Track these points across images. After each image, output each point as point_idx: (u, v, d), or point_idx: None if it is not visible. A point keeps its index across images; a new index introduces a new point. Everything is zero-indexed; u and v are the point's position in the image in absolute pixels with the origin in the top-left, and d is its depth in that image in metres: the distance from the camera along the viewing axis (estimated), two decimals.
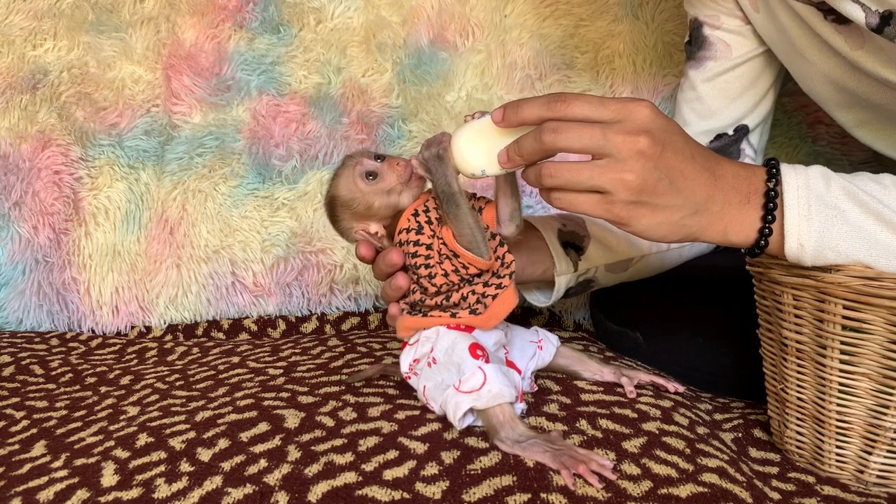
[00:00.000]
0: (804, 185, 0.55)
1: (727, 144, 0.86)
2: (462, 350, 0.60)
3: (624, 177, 0.53)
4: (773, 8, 0.74)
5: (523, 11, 1.12)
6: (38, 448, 0.64)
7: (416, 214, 0.64)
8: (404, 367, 0.66)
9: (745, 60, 0.83)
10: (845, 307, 0.55)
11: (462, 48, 1.12)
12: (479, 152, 0.59)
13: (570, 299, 1.06)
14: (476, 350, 0.60)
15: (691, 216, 0.56)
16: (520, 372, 0.66)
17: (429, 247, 0.63)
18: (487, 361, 0.59)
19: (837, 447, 0.59)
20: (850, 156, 1.05)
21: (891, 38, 0.57)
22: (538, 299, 0.83)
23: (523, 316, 1.08)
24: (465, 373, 0.59)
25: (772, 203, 0.56)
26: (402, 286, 0.64)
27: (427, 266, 0.63)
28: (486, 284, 0.62)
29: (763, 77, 0.84)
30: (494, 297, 0.62)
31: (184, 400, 0.73)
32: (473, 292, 0.62)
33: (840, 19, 0.64)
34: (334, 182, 0.66)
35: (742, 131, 0.85)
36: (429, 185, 0.64)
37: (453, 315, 0.62)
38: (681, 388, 0.69)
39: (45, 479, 0.57)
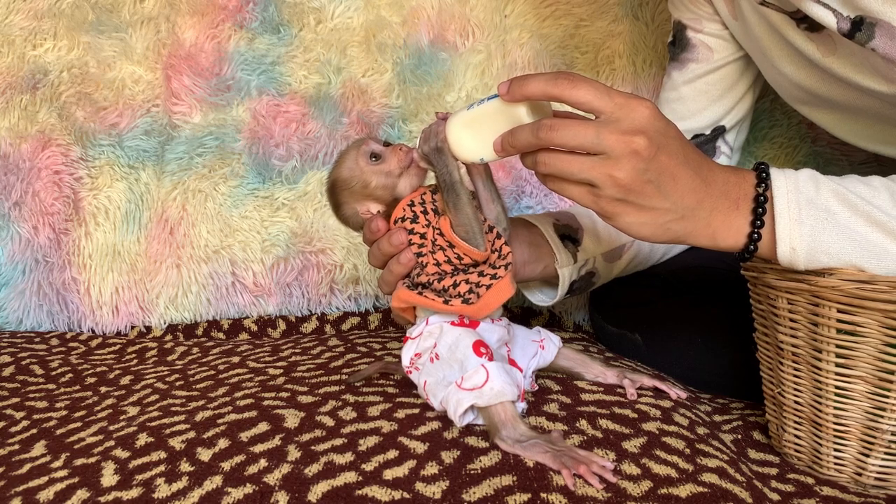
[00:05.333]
0: (794, 188, 0.56)
1: (702, 143, 0.87)
2: (466, 347, 0.60)
3: (614, 174, 0.53)
4: (747, 17, 0.75)
5: (523, 12, 1.13)
6: (38, 448, 0.64)
7: (412, 205, 0.65)
8: (406, 361, 0.66)
9: (726, 63, 0.83)
10: (839, 311, 0.55)
11: (462, 48, 1.12)
12: (476, 140, 0.60)
13: (570, 300, 1.07)
14: (480, 347, 0.60)
15: (678, 220, 0.56)
16: (521, 370, 0.66)
17: (422, 236, 0.64)
18: (491, 359, 0.59)
19: (835, 450, 0.59)
20: (849, 156, 1.05)
21: (862, 43, 0.58)
22: (542, 299, 0.83)
23: (524, 317, 1.08)
24: (468, 370, 0.59)
25: (761, 208, 0.56)
26: (411, 258, 0.64)
27: (419, 255, 0.64)
28: (480, 275, 0.63)
29: (743, 79, 0.85)
30: (489, 286, 0.62)
31: (184, 400, 0.73)
32: (467, 282, 0.62)
33: (812, 27, 0.65)
34: (338, 162, 0.68)
35: (719, 131, 0.86)
36: (429, 179, 0.65)
37: (446, 301, 0.63)
38: (683, 395, 0.69)
39: (45, 479, 0.57)
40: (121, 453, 0.60)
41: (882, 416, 0.56)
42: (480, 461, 0.54)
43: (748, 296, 0.66)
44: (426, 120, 1.12)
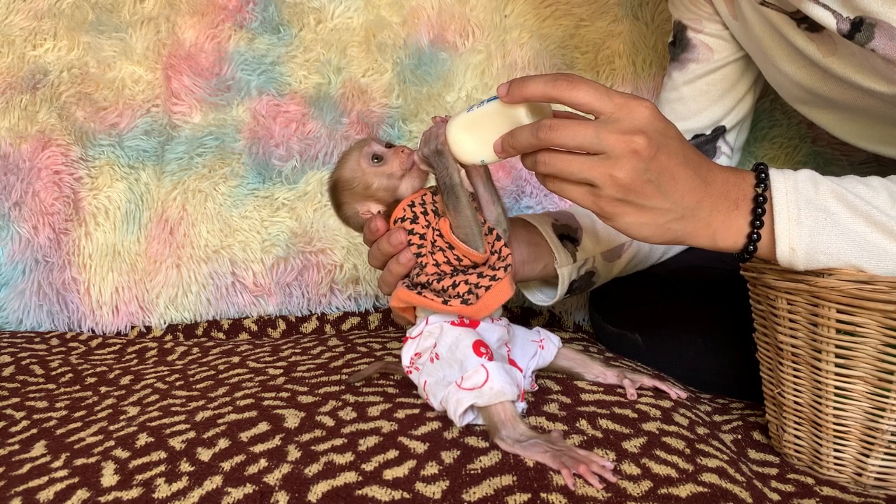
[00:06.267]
0: (793, 188, 0.56)
1: (703, 143, 0.87)
2: (466, 347, 0.60)
3: (614, 173, 0.53)
4: (747, 17, 0.75)
5: (523, 12, 1.13)
6: (38, 448, 0.64)
7: (412, 205, 0.65)
8: (406, 361, 0.66)
9: (726, 63, 0.83)
10: (839, 311, 0.55)
11: (462, 48, 1.12)
12: (476, 142, 0.60)
13: (570, 299, 1.07)
14: (479, 347, 0.60)
15: (677, 220, 0.56)
16: (521, 370, 0.66)
17: (422, 236, 0.64)
18: (491, 359, 0.59)
19: (835, 450, 0.59)
20: (849, 156, 1.05)
21: (861, 43, 0.58)
22: (542, 299, 0.83)
23: (524, 317, 1.08)
24: (468, 370, 0.59)
25: (760, 209, 0.56)
26: (410, 258, 0.65)
27: (419, 255, 0.64)
28: (480, 276, 0.63)
29: (743, 80, 0.85)
30: (487, 288, 0.62)
31: (184, 400, 0.73)
32: (467, 282, 0.62)
33: (812, 27, 0.65)
34: (340, 163, 0.68)
35: (719, 131, 0.86)
36: (430, 180, 0.65)
37: (445, 302, 0.63)
38: (683, 395, 0.69)
39: (45, 479, 0.57)
40: (121, 453, 0.60)
41: (882, 417, 0.56)
42: (480, 461, 0.54)
43: (748, 296, 0.66)
44: (426, 120, 1.12)
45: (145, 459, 0.58)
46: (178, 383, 0.80)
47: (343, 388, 0.72)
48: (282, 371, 0.81)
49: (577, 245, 0.80)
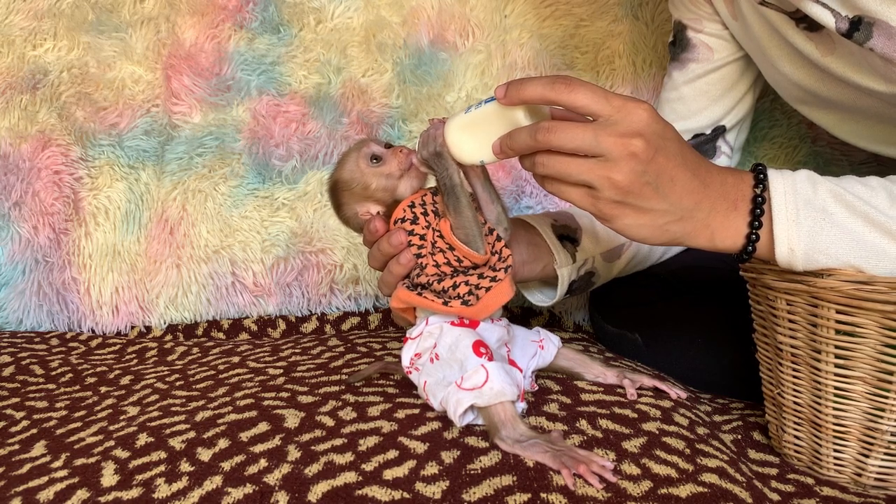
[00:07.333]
0: (791, 189, 0.56)
1: (703, 143, 0.87)
2: (465, 347, 0.60)
3: (612, 176, 0.53)
4: (747, 17, 0.75)
5: (523, 12, 1.13)
6: (38, 448, 0.64)
7: (412, 206, 0.65)
8: (406, 361, 0.66)
9: (726, 63, 0.84)
10: (838, 311, 0.55)
11: (462, 48, 1.12)
12: (474, 143, 0.60)
13: (570, 300, 1.07)
14: (479, 347, 0.60)
15: (676, 222, 0.56)
16: (521, 370, 0.66)
17: (422, 237, 0.64)
18: (491, 359, 0.59)
19: (835, 451, 0.59)
20: (849, 156, 1.05)
21: (860, 42, 0.58)
22: (541, 300, 0.83)
23: (523, 317, 1.08)
24: (468, 370, 0.59)
25: (759, 209, 0.56)
26: (410, 259, 0.64)
27: (419, 256, 0.64)
28: (480, 277, 0.63)
29: (743, 79, 0.85)
30: (488, 289, 0.62)
31: (184, 400, 0.73)
32: (467, 283, 0.62)
33: (811, 26, 0.65)
34: (339, 164, 0.68)
35: (719, 131, 0.86)
36: (430, 181, 0.65)
37: (445, 303, 0.63)
38: (683, 395, 0.69)
39: (45, 479, 0.57)
40: (121, 453, 0.60)
41: (881, 417, 0.56)
42: (480, 461, 0.54)
43: (748, 296, 0.66)
44: (426, 120, 1.12)
45: (145, 459, 0.58)
46: (178, 383, 0.80)
47: (343, 388, 0.72)
48: (282, 371, 0.81)
49: (577, 245, 0.80)
